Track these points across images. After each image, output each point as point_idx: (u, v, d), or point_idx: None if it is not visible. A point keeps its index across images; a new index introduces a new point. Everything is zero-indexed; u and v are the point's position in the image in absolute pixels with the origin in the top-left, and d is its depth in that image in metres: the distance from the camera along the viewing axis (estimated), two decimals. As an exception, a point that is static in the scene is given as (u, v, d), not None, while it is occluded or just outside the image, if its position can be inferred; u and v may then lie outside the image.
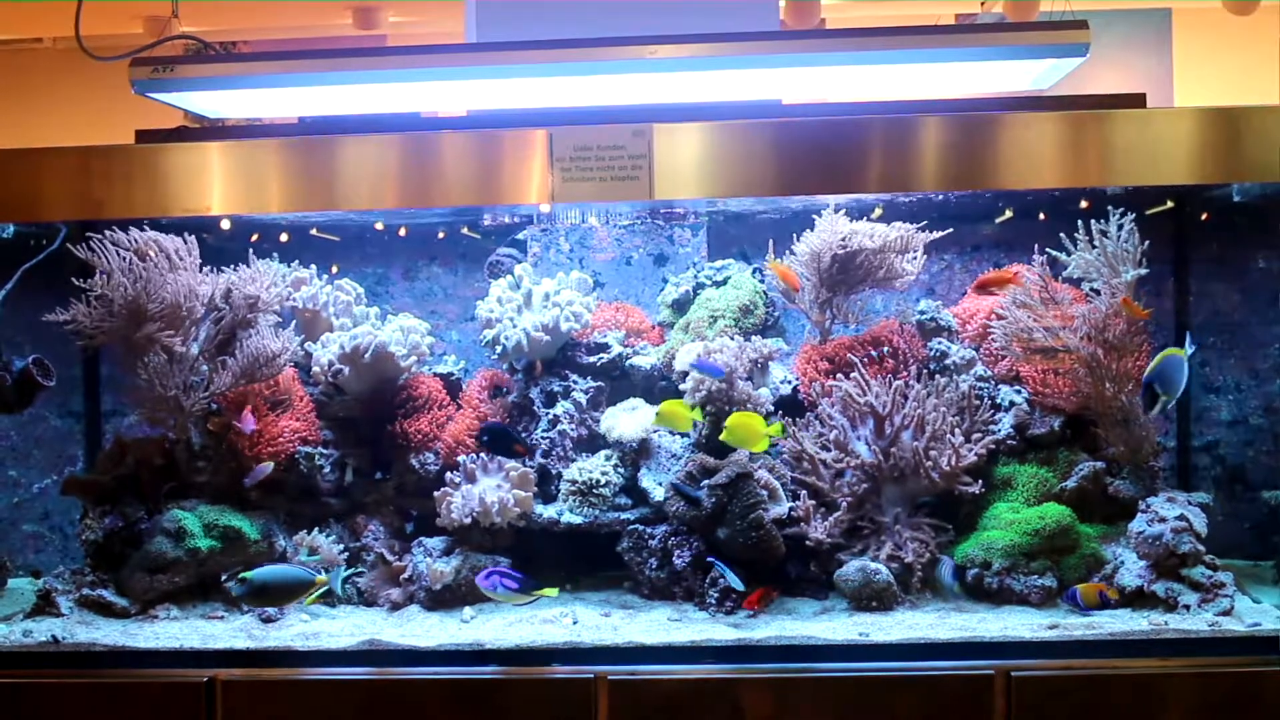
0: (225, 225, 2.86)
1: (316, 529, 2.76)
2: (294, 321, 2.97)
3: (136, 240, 2.72)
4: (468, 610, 2.63)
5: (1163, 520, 2.51)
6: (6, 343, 2.75)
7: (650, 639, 2.42)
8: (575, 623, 2.53)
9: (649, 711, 2.33)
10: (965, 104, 2.47)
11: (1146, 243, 2.61)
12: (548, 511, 2.75)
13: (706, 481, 2.61)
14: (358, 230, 3.13)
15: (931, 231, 2.83)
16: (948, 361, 2.82)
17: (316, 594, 2.59)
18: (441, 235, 3.16)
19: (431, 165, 2.45)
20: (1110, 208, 2.63)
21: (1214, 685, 2.29)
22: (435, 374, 2.99)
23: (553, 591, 2.53)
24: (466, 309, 3.15)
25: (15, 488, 3.13)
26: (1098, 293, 2.67)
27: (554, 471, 2.81)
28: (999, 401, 2.79)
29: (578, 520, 2.73)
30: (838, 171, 2.43)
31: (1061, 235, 2.67)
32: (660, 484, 2.73)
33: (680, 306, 3.02)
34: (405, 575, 2.70)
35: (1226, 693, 2.29)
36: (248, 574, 2.46)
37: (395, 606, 2.68)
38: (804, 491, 2.68)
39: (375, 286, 3.18)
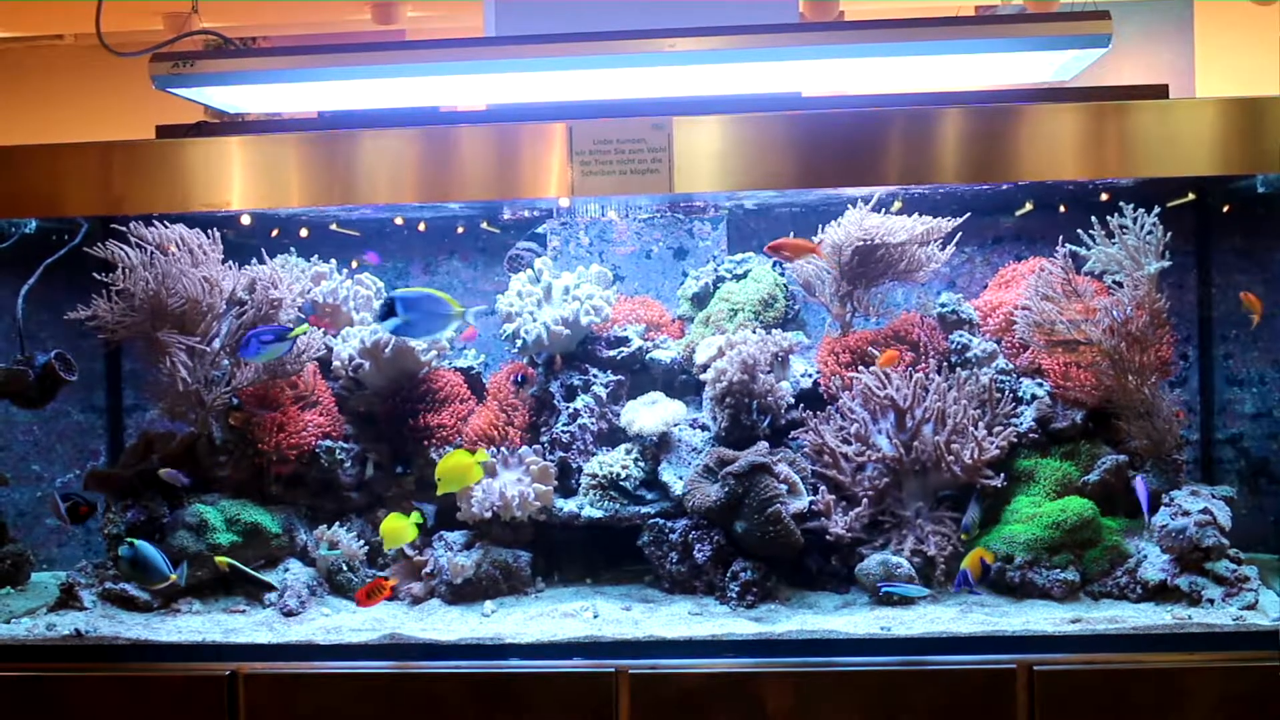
0: (245, 220, 2.87)
1: (337, 523, 2.77)
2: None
3: (158, 235, 2.73)
4: (488, 604, 2.63)
5: (1186, 514, 2.50)
6: (29, 338, 2.77)
7: (671, 633, 2.42)
8: (596, 616, 2.53)
9: (670, 705, 2.33)
10: (986, 96, 2.46)
11: (1169, 235, 2.60)
12: (568, 505, 2.75)
13: (722, 471, 2.60)
14: (377, 225, 3.14)
15: (953, 223, 2.81)
16: (969, 354, 2.80)
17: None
18: (461, 229, 3.16)
19: (451, 159, 2.45)
20: (1122, 201, 2.61)
21: (1238, 680, 2.28)
22: (455, 368, 2.99)
23: (301, 331, 2.68)
24: (486, 303, 3.14)
25: (38, 482, 3.14)
26: (1120, 285, 2.65)
27: (574, 465, 2.81)
28: (1020, 394, 2.77)
29: (598, 514, 2.73)
30: (858, 164, 2.42)
31: (1079, 231, 2.66)
32: (680, 477, 2.72)
33: (700, 300, 3.02)
34: (426, 569, 2.71)
35: (1251, 687, 2.28)
36: (134, 540, 2.50)
37: (416, 600, 2.69)
38: (824, 485, 2.68)
39: (395, 281, 3.18)
